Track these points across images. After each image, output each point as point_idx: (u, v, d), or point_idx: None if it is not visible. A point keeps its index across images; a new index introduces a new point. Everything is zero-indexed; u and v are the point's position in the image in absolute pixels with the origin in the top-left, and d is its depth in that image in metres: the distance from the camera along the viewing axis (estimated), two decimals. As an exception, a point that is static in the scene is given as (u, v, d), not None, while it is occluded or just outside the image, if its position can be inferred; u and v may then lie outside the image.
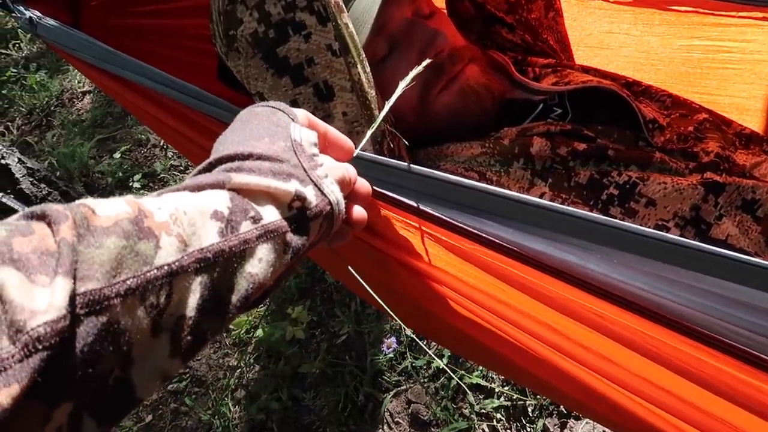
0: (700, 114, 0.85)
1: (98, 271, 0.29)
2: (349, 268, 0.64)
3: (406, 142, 0.71)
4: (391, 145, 0.72)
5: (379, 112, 0.69)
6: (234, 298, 0.37)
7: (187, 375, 1.71)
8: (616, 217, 0.71)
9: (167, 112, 0.76)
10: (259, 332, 1.73)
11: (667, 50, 0.98)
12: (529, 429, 1.43)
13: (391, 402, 1.54)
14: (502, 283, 0.59)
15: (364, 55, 0.66)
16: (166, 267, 0.32)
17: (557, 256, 0.53)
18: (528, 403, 1.46)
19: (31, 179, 1.91)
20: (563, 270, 0.54)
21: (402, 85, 0.58)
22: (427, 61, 0.58)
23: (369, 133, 0.60)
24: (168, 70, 0.70)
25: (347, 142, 0.53)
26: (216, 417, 1.59)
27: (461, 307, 0.65)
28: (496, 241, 0.56)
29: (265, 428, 1.56)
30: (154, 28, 1.01)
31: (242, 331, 1.74)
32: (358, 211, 0.51)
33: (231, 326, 1.75)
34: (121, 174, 2.27)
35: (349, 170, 0.50)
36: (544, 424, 1.42)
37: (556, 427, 1.43)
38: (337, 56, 0.63)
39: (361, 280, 0.63)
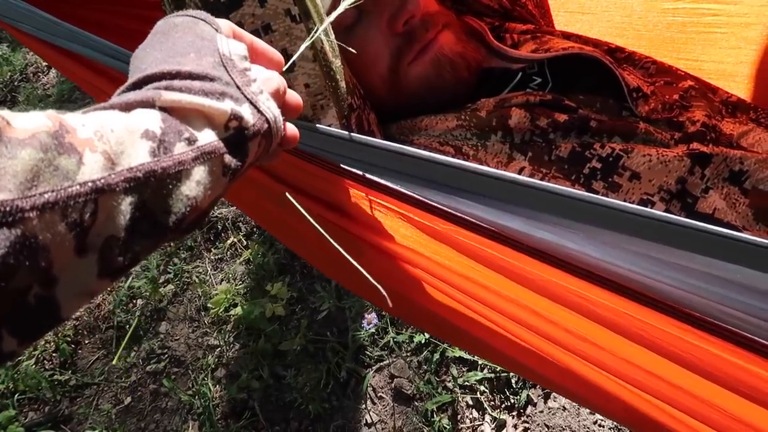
0: (685, 81, 0.82)
1: (10, 182, 0.27)
2: (287, 194, 0.59)
3: (363, 117, 0.66)
4: (361, 119, 0.68)
5: (347, 85, 0.65)
6: (170, 221, 0.36)
7: (166, 355, 1.68)
8: (599, 192, 0.68)
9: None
10: (238, 310, 1.70)
11: (650, 14, 0.94)
12: (512, 400, 1.43)
13: (373, 377, 1.53)
14: (479, 264, 0.57)
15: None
16: (90, 183, 0.31)
17: (537, 236, 0.50)
18: (511, 375, 1.45)
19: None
20: (544, 250, 0.51)
21: (339, 10, 0.54)
22: None
23: (305, 44, 0.56)
24: (120, 42, 0.64)
25: (276, 54, 0.50)
26: (196, 397, 1.57)
27: (437, 290, 0.62)
28: (472, 220, 0.53)
29: (247, 407, 1.55)
30: (106, -4, 0.94)
31: (221, 310, 1.71)
32: (291, 128, 0.48)
33: (209, 305, 1.72)
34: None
35: (280, 81, 0.47)
36: (527, 395, 1.42)
37: (539, 397, 1.43)
38: (296, 22, 0.58)
39: (308, 216, 0.58)
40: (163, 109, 0.37)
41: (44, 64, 2.61)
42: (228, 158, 0.40)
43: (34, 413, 1.64)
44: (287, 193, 0.60)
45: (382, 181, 0.55)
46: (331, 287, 1.68)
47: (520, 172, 0.71)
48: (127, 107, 0.37)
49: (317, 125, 0.54)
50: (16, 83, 2.57)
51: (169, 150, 0.36)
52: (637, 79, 0.79)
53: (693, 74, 0.85)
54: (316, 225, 0.58)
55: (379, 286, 0.55)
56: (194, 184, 0.37)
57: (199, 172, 0.37)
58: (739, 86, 0.89)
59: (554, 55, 0.78)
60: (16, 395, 1.66)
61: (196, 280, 1.81)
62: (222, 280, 1.81)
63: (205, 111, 0.39)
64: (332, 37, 0.62)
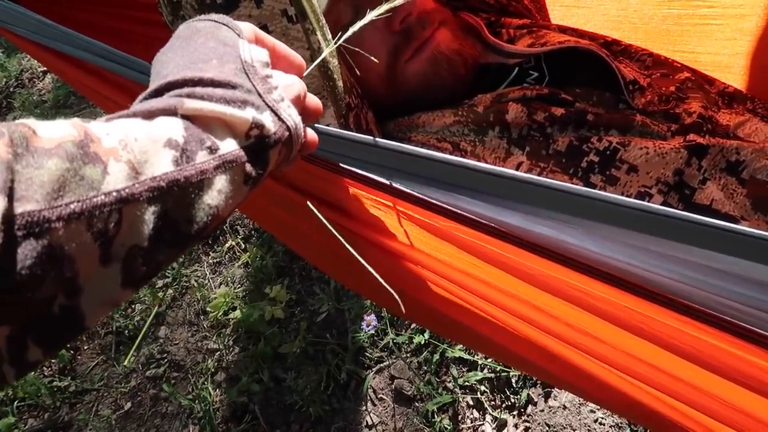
0: (681, 73, 0.82)
1: (38, 192, 0.28)
2: (308, 203, 0.59)
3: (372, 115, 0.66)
4: (359, 118, 0.68)
5: (344, 84, 0.65)
6: (192, 230, 0.36)
7: (165, 360, 1.68)
8: (597, 185, 0.69)
9: (115, 89, 0.70)
10: (237, 313, 1.69)
11: (646, 7, 0.94)
12: (513, 400, 1.43)
13: (374, 378, 1.53)
14: (479, 260, 0.57)
15: (324, 21, 0.61)
16: (114, 193, 0.31)
17: (537, 231, 0.50)
18: (511, 374, 1.45)
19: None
20: (543, 245, 0.51)
21: (362, 22, 0.54)
22: (400, 1, 0.53)
23: (317, 62, 0.56)
24: (112, 43, 0.64)
25: (297, 57, 0.50)
26: (196, 401, 1.57)
27: (437, 286, 0.62)
28: (472, 217, 0.53)
29: (248, 411, 1.54)
30: (97, -3, 0.94)
31: (220, 313, 1.70)
32: (310, 134, 0.48)
33: (208, 308, 1.72)
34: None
35: (301, 86, 0.47)
36: (528, 394, 1.42)
37: (540, 396, 1.43)
38: (293, 23, 0.58)
39: (328, 224, 0.59)
40: (186, 117, 0.37)
41: (40, 69, 2.61)
42: (249, 167, 0.40)
43: (34, 420, 1.64)
44: (309, 203, 0.60)
45: (382, 180, 0.55)
46: (330, 289, 1.68)
47: (518, 167, 0.71)
48: (149, 115, 0.37)
49: (328, 127, 0.53)
50: (11, 89, 2.56)
51: (192, 159, 0.36)
52: (633, 71, 0.79)
53: (689, 66, 0.85)
54: (336, 233, 0.58)
55: (395, 294, 0.56)
56: (216, 193, 0.37)
57: (221, 181, 0.37)
58: (735, 77, 0.89)
59: (550, 49, 0.79)
60: (15, 402, 1.65)
61: (195, 284, 1.80)
62: (221, 283, 1.80)
63: (226, 119, 0.39)
64: (329, 37, 0.62)
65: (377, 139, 0.52)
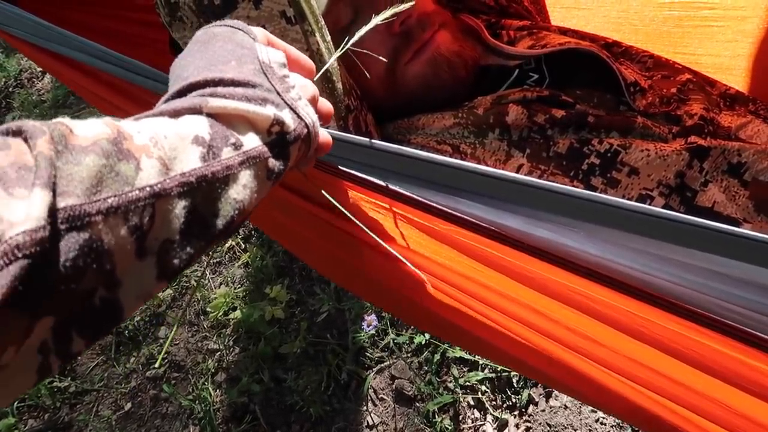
0: (682, 75, 0.81)
1: (78, 187, 0.29)
2: (323, 192, 0.59)
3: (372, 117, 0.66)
4: (358, 120, 0.68)
5: (343, 86, 0.65)
6: (219, 224, 0.38)
7: (166, 361, 1.67)
8: (597, 188, 0.68)
9: (110, 90, 0.70)
10: (237, 314, 1.69)
11: (647, 9, 0.94)
12: (514, 400, 1.42)
13: (374, 379, 1.52)
14: (479, 264, 0.57)
15: (323, 22, 0.61)
16: (148, 188, 0.32)
17: (537, 235, 0.50)
18: (512, 374, 1.45)
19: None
20: (544, 249, 0.51)
21: (366, 28, 0.54)
22: (404, 6, 0.53)
23: (326, 66, 0.56)
24: (108, 44, 0.64)
25: (308, 61, 0.51)
26: (197, 402, 1.57)
27: (437, 290, 0.62)
28: (472, 220, 0.53)
29: (248, 411, 1.54)
30: (94, -1, 0.94)
31: (220, 313, 1.70)
32: (324, 135, 0.50)
33: (208, 309, 1.72)
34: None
35: (314, 88, 0.49)
36: (529, 394, 1.42)
37: (541, 396, 1.42)
38: (292, 24, 0.58)
39: (342, 209, 0.58)
40: (210, 115, 0.39)
41: (38, 69, 2.60)
42: (272, 162, 0.41)
43: (34, 421, 1.64)
44: (323, 191, 0.60)
45: (381, 183, 0.55)
46: (330, 289, 1.68)
47: (518, 170, 0.71)
48: (175, 114, 0.38)
49: (326, 129, 0.53)
50: (10, 89, 2.56)
51: (218, 155, 0.37)
52: (634, 73, 0.79)
53: (690, 68, 0.85)
54: (353, 218, 0.58)
55: (422, 275, 0.55)
56: (241, 188, 0.38)
57: (246, 176, 0.39)
58: (737, 79, 0.89)
59: (551, 50, 0.78)
60: (15, 403, 1.65)
61: (195, 284, 1.80)
62: (221, 283, 1.80)
63: (249, 116, 0.40)
64: (328, 38, 0.62)
65: (373, 141, 0.52)
